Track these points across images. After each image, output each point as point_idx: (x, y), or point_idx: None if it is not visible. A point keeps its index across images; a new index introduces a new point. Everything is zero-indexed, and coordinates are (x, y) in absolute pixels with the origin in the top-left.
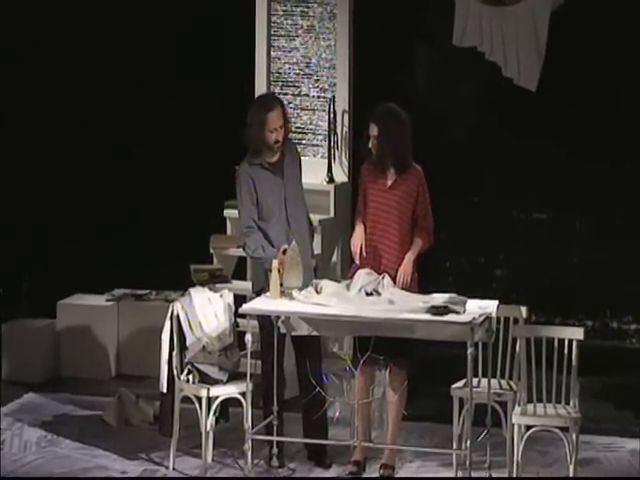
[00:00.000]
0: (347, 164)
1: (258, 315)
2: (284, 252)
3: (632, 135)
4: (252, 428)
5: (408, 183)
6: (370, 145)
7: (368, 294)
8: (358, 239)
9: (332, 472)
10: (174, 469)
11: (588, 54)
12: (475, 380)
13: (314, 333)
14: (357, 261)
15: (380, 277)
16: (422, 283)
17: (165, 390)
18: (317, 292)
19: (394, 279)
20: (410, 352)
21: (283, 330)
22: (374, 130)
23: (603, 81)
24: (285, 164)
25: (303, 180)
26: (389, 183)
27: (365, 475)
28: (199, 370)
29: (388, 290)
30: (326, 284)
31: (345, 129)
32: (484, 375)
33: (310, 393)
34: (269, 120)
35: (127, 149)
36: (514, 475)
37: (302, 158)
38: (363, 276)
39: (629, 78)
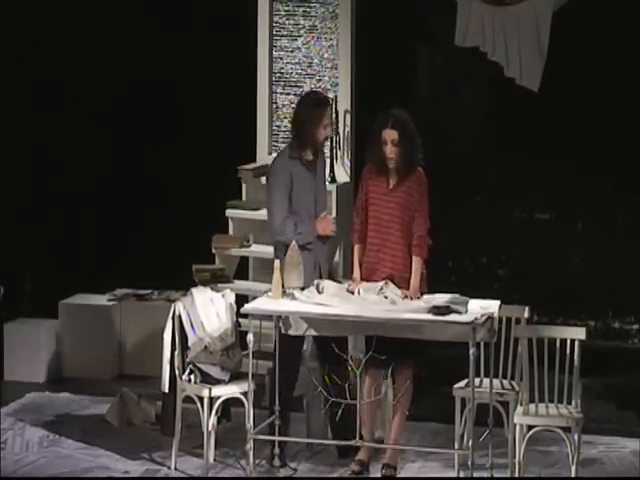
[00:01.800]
0: (349, 164)
1: (277, 319)
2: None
3: (635, 135)
4: (254, 428)
5: (409, 185)
6: (387, 152)
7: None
8: (357, 281)
9: (335, 472)
10: (176, 469)
11: (591, 54)
12: (477, 380)
13: (314, 333)
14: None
15: (382, 283)
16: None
17: (167, 390)
18: (319, 292)
19: (395, 280)
20: (416, 352)
21: (284, 330)
22: (393, 135)
23: (606, 81)
24: (318, 164)
25: None
26: (391, 186)
27: (368, 475)
28: (201, 370)
29: (392, 292)
30: (328, 284)
31: (347, 129)
32: (486, 375)
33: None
34: (325, 116)
35: (129, 149)
36: (516, 475)
37: None
38: (364, 286)
39: (632, 77)
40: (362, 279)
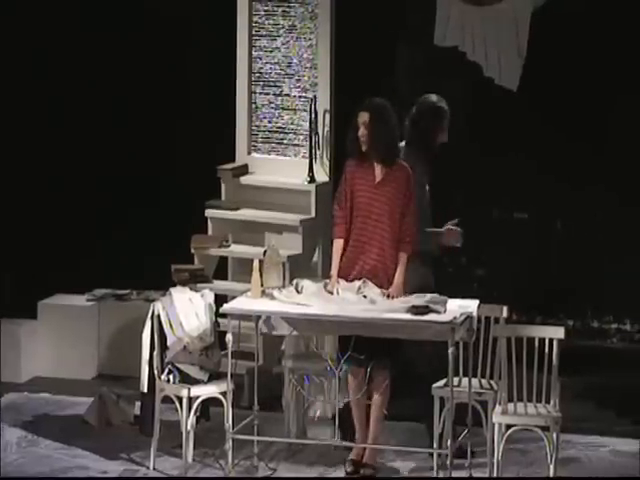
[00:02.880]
0: (328, 164)
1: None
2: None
3: (614, 132)
4: (233, 428)
5: (398, 180)
6: (360, 134)
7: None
8: (335, 277)
9: (314, 472)
10: (155, 469)
11: (569, 53)
12: (456, 379)
13: (295, 333)
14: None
15: (360, 282)
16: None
17: (146, 390)
18: (298, 292)
19: (380, 274)
20: (393, 352)
21: (264, 330)
22: (365, 117)
23: (585, 80)
24: None
25: (283, 180)
26: (378, 179)
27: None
28: (180, 370)
29: (371, 291)
30: (307, 284)
31: (326, 129)
32: (465, 374)
33: None
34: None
35: (109, 149)
36: (495, 474)
37: (283, 158)
38: (342, 286)
39: (610, 76)
40: (343, 271)
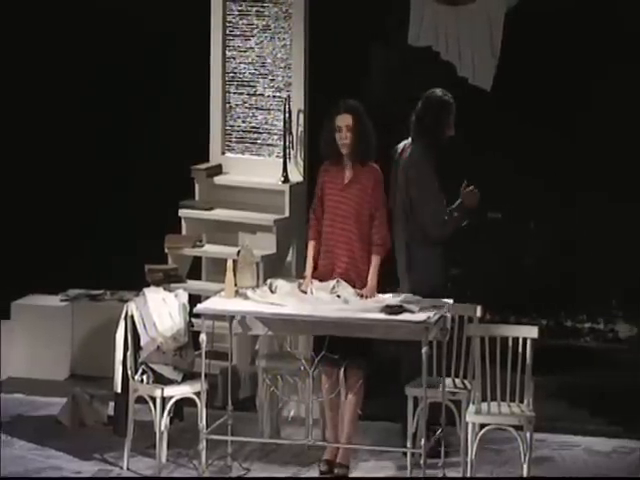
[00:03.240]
0: (302, 164)
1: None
2: None
3: (588, 131)
4: (206, 428)
5: (365, 181)
6: (341, 137)
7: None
8: (309, 278)
9: (288, 472)
10: (128, 469)
11: (542, 53)
12: (429, 379)
13: (269, 333)
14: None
15: (334, 282)
16: (379, 282)
17: (119, 390)
18: (272, 292)
19: (352, 276)
20: (366, 351)
21: (237, 330)
22: (347, 120)
23: (558, 79)
24: None
25: (257, 180)
26: (346, 180)
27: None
28: (153, 370)
29: (345, 290)
30: (281, 284)
31: (300, 129)
32: (439, 374)
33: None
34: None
35: (81, 148)
36: (468, 474)
37: (257, 157)
38: (316, 286)
39: (584, 75)
40: (319, 277)
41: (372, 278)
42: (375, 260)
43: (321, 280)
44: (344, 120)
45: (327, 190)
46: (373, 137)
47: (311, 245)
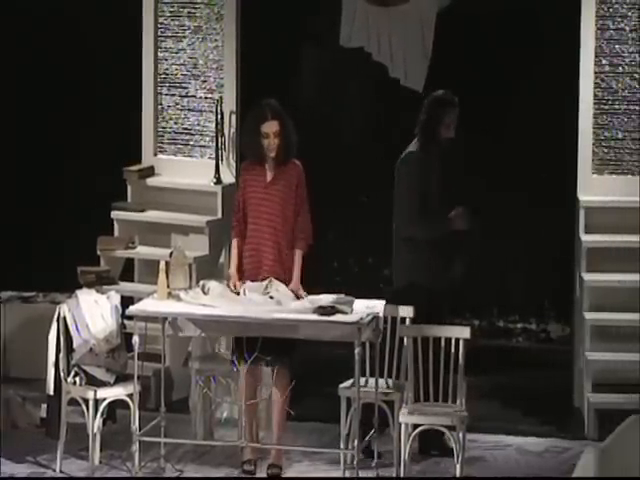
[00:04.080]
0: (235, 165)
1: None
2: None
3: (520, 132)
4: (139, 430)
5: (288, 177)
6: (269, 143)
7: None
8: (234, 275)
9: (221, 473)
10: (61, 471)
11: (475, 53)
12: (362, 380)
13: (202, 334)
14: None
15: (267, 282)
16: (310, 283)
17: (52, 392)
18: (204, 293)
19: (279, 274)
20: (290, 351)
21: (170, 331)
22: (274, 127)
23: (491, 79)
24: None
25: (190, 181)
26: (269, 178)
27: (257, 475)
28: (86, 372)
29: (277, 289)
30: (214, 285)
31: (232, 130)
32: (371, 375)
33: None
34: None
35: (12, 148)
36: (402, 474)
37: (189, 159)
38: (249, 286)
39: (514, 76)
40: (247, 275)
41: (296, 273)
42: (298, 254)
43: (249, 278)
44: (271, 127)
45: (249, 189)
46: (295, 135)
47: (235, 243)
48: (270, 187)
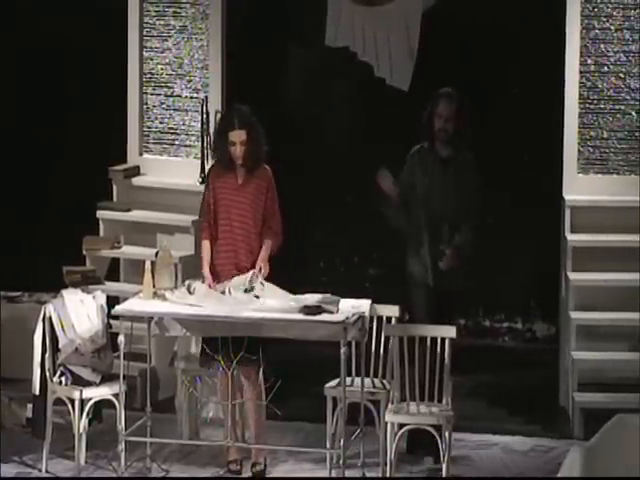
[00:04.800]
0: None
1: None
2: None
3: (503, 132)
4: (125, 430)
5: (259, 181)
6: (236, 152)
7: (247, 290)
8: (209, 276)
9: (207, 473)
10: (47, 472)
11: (460, 53)
12: (348, 379)
13: (187, 334)
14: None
15: (250, 274)
16: (295, 283)
17: (38, 392)
18: (190, 293)
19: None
20: (258, 350)
21: (156, 331)
22: (242, 136)
23: (476, 79)
24: None
25: (175, 181)
26: (240, 181)
27: (243, 475)
28: (72, 372)
29: (262, 286)
30: (199, 285)
31: None
32: (357, 374)
33: None
34: None
35: None
36: (388, 474)
37: (175, 159)
38: (234, 281)
39: (500, 76)
40: (224, 277)
41: (262, 253)
42: (266, 243)
43: (226, 278)
44: (238, 136)
45: (219, 190)
46: (264, 142)
47: (205, 245)
48: (241, 190)
